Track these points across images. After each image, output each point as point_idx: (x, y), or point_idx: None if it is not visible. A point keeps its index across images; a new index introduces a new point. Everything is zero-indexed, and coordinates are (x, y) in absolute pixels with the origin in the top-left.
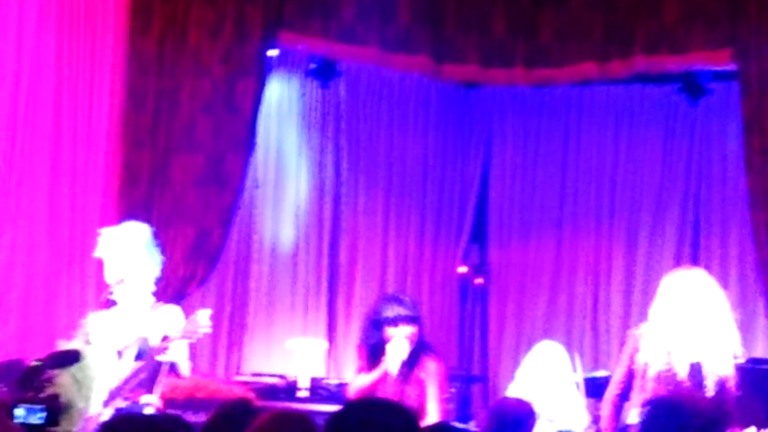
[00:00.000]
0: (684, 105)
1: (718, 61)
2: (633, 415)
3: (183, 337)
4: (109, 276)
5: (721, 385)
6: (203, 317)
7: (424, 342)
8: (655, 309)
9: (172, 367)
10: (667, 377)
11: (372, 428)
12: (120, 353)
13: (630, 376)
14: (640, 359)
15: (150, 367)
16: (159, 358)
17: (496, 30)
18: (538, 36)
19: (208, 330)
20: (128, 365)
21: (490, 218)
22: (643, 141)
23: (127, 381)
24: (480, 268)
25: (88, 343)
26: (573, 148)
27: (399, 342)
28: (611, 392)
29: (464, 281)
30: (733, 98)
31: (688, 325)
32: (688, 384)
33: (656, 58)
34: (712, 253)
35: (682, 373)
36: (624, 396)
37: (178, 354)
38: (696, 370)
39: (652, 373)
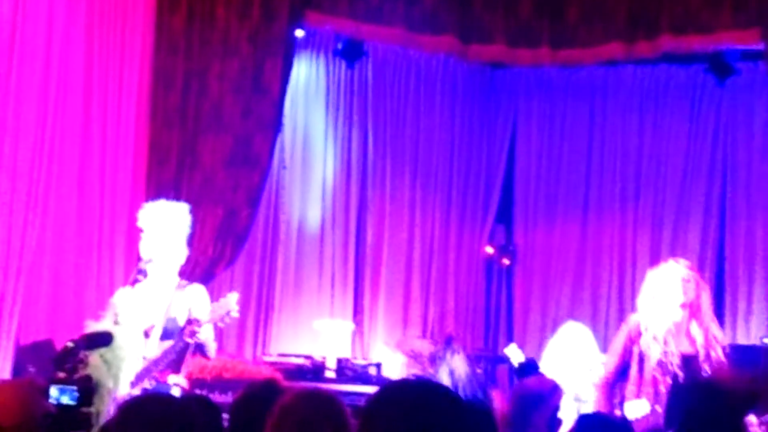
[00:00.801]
0: (711, 85)
1: (745, 41)
2: (640, 407)
3: (212, 320)
4: (145, 251)
5: (719, 369)
6: (231, 301)
7: None
8: (641, 300)
9: (199, 348)
10: (663, 366)
11: (415, 410)
12: (147, 333)
13: (623, 366)
14: (636, 349)
15: (178, 348)
16: (189, 340)
17: (522, 10)
18: (564, 16)
19: (236, 314)
20: (155, 345)
21: (515, 199)
22: (670, 121)
23: (155, 362)
24: (506, 248)
25: (116, 323)
26: (599, 129)
27: None
28: (603, 378)
29: (490, 262)
30: (760, 78)
31: (675, 316)
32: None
33: (683, 38)
34: (738, 234)
35: (677, 362)
36: (614, 384)
37: (205, 335)
38: (690, 360)
39: (649, 362)
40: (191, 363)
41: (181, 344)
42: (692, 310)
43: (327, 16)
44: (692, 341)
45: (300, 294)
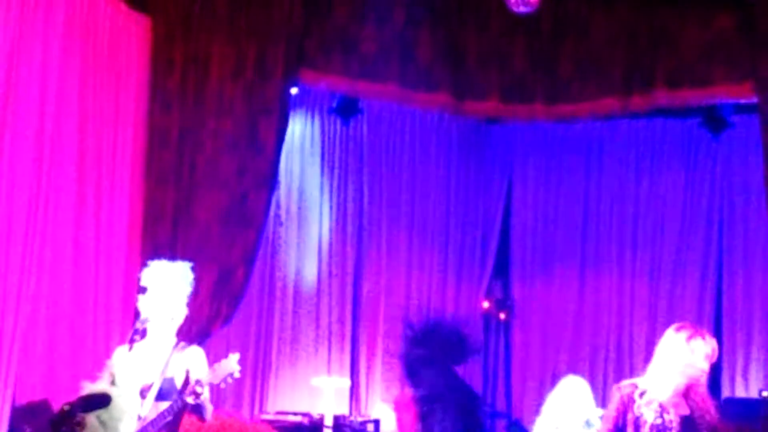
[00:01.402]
0: (706, 138)
1: (739, 95)
2: None
3: (213, 381)
4: (145, 310)
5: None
6: (233, 362)
7: None
8: (654, 366)
9: (195, 409)
10: (659, 430)
11: None
12: (143, 392)
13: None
14: (630, 415)
15: (176, 409)
16: (190, 400)
17: (516, 66)
18: (558, 71)
19: (238, 375)
20: (150, 405)
21: (512, 253)
22: (665, 175)
23: (152, 423)
24: (503, 303)
25: (113, 384)
26: (595, 182)
27: None
28: None
29: (487, 316)
30: (754, 131)
31: (682, 381)
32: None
33: (677, 92)
34: (736, 287)
35: (676, 426)
36: None
37: (204, 397)
38: (688, 420)
39: (646, 426)
40: (187, 423)
41: (179, 404)
42: (694, 376)
43: (321, 74)
44: (690, 403)
45: (297, 351)
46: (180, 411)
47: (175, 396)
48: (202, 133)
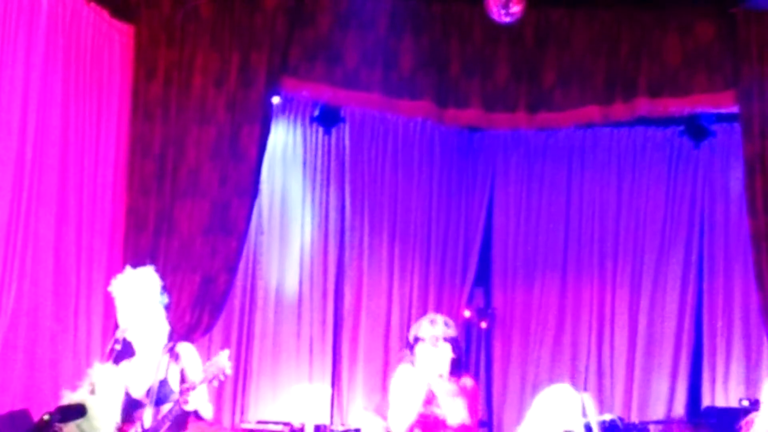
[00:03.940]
0: (687, 147)
1: (720, 104)
2: None
3: (204, 380)
4: (122, 320)
5: None
6: (223, 358)
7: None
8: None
9: (195, 412)
10: None
11: None
12: (140, 402)
13: None
14: None
15: (175, 413)
16: (185, 407)
17: (498, 75)
18: (540, 80)
19: (229, 371)
20: (151, 412)
21: (494, 261)
22: (647, 183)
23: (154, 429)
24: (484, 311)
25: (93, 393)
26: (576, 190)
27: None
28: None
29: (469, 325)
30: (736, 139)
31: None
32: None
33: (659, 101)
34: (716, 295)
35: None
36: None
37: (199, 399)
38: None
39: None
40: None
41: (177, 409)
42: None
43: (304, 82)
44: None
45: (278, 360)
46: (180, 416)
47: (174, 397)
48: (185, 141)
